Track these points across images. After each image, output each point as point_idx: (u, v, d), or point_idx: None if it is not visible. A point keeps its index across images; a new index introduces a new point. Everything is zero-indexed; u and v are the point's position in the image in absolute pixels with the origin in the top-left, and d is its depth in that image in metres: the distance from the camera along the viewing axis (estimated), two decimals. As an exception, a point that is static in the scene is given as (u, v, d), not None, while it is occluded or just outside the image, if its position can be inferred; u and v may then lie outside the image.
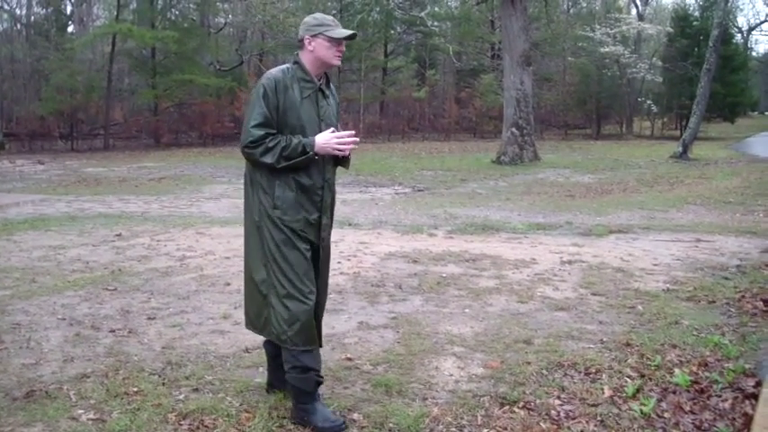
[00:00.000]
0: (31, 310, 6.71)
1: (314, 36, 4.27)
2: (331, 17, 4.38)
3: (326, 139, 4.19)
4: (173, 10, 46.06)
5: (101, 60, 45.08)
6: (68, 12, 51.72)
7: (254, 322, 4.44)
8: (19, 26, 54.51)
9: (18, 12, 55.05)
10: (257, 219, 4.27)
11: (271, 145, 4.11)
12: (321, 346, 4.46)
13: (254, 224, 4.30)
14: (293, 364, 4.22)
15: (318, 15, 4.37)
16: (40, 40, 46.33)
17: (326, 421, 4.16)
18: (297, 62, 4.32)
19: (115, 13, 42.54)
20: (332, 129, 4.28)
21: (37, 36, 48.23)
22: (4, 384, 4.84)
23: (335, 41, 4.28)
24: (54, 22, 48.77)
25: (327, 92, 4.43)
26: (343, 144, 4.24)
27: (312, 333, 4.25)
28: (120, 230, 11.34)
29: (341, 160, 4.45)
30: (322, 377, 4.37)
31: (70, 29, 51.32)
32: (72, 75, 40.66)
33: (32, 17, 53.05)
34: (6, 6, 51.75)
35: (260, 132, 4.11)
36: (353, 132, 4.35)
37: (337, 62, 4.35)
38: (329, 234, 4.45)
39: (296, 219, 4.21)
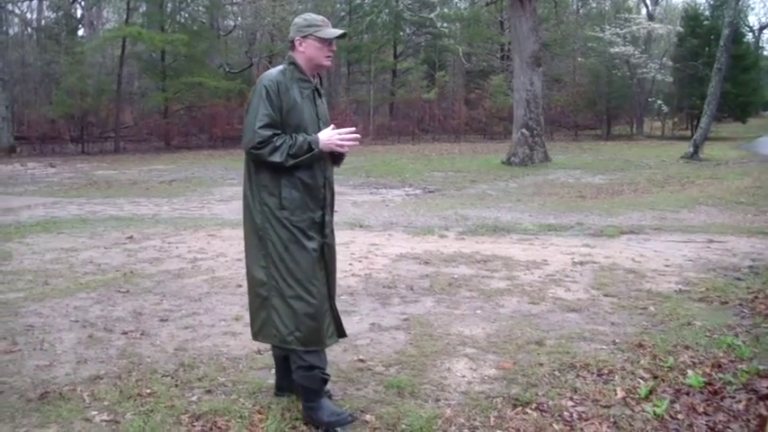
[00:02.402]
0: (44, 312, 6.74)
1: (304, 37, 4.31)
2: (321, 17, 4.42)
3: (329, 136, 4.24)
4: (182, 13, 46.15)
5: (111, 63, 45.26)
6: (79, 15, 51.89)
7: (251, 326, 4.48)
8: (30, 30, 54.76)
9: (29, 16, 55.30)
10: (259, 222, 4.28)
11: (278, 144, 4.14)
12: (345, 336, 4.54)
13: (255, 227, 4.31)
14: (299, 364, 4.26)
15: (308, 16, 4.39)
16: (51, 44, 46.49)
17: (333, 415, 4.21)
18: (293, 63, 4.35)
19: (125, 16, 42.61)
20: (332, 126, 4.33)
21: (47, 40, 48.39)
22: (19, 386, 4.87)
23: (326, 42, 4.31)
24: (64, 26, 48.92)
25: (322, 90, 4.50)
26: (345, 140, 4.27)
27: (318, 334, 4.27)
28: (132, 233, 11.37)
29: (335, 158, 4.47)
30: (328, 375, 4.39)
31: (80, 32, 51.47)
32: (82, 78, 40.79)
33: (43, 21, 53.28)
34: (17, 11, 51.94)
35: (267, 133, 4.14)
36: (354, 129, 4.38)
37: (328, 63, 4.39)
38: (332, 231, 4.48)
39: (303, 218, 4.25)
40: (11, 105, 40.67)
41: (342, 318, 4.30)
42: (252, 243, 4.36)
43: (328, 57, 4.36)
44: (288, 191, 4.23)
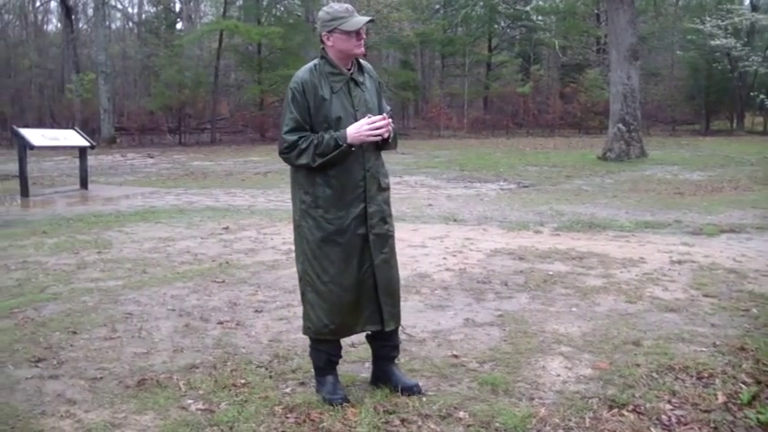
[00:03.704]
0: (143, 300, 6.90)
1: (330, 32, 4.28)
2: (345, 6, 4.33)
3: (357, 128, 4.21)
4: (278, 6, 46.75)
5: (208, 56, 46.13)
6: (177, 9, 53.01)
7: None
8: (131, 24, 56.20)
9: (130, 10, 56.73)
10: (297, 218, 4.38)
11: (304, 146, 4.18)
12: (386, 329, 4.48)
13: (294, 224, 4.43)
14: (312, 344, 4.54)
15: (331, 9, 4.32)
16: (151, 38, 47.69)
17: (328, 393, 4.41)
18: (323, 57, 4.36)
19: (222, 9, 43.40)
20: (368, 116, 4.27)
21: (147, 33, 49.66)
22: (118, 372, 4.99)
23: (352, 33, 4.25)
24: (163, 20, 50.15)
25: (361, 78, 4.43)
26: (376, 129, 4.22)
27: (343, 327, 4.40)
28: (228, 224, 11.56)
29: (383, 144, 4.42)
30: (338, 357, 4.59)
31: (179, 26, 52.70)
32: (180, 71, 41.71)
33: (143, 15, 54.66)
34: (119, 6, 53.29)
35: (292, 137, 4.21)
36: (385, 115, 4.32)
37: (359, 51, 4.33)
38: (381, 219, 4.43)
39: (338, 216, 4.28)
40: (112, 97, 41.81)
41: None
42: (294, 239, 4.48)
43: (358, 45, 4.30)
44: (321, 189, 4.27)
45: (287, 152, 4.24)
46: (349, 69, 4.37)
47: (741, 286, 7.34)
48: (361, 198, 4.32)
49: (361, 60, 4.48)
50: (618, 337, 5.67)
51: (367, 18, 4.34)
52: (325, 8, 4.38)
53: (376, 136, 4.24)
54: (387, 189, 4.54)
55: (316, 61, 4.39)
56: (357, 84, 4.39)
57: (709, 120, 45.78)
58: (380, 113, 4.35)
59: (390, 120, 4.32)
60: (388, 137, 4.34)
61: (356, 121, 4.26)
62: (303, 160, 4.20)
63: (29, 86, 47.66)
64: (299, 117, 4.23)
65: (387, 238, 4.47)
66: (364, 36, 4.32)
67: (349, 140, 4.17)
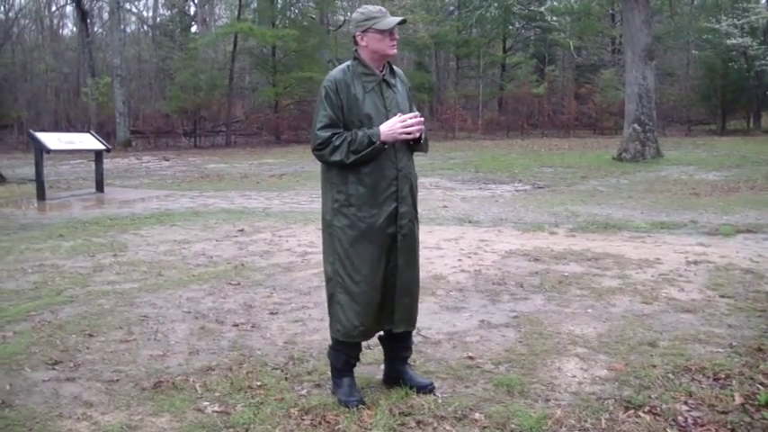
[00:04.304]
0: (158, 302, 6.93)
1: (364, 32, 4.32)
2: (379, 8, 4.41)
3: (390, 126, 4.23)
4: (293, 8, 46.87)
5: (223, 59, 46.30)
6: (192, 13, 53.19)
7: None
8: (146, 27, 56.41)
9: (145, 14, 56.94)
10: (329, 218, 4.42)
11: (337, 143, 4.20)
12: (394, 329, 4.52)
13: (325, 223, 4.48)
14: (333, 344, 4.56)
15: (365, 9, 4.39)
16: (165, 41, 47.85)
17: (344, 395, 4.43)
18: (356, 58, 4.39)
19: (237, 12, 43.57)
20: (398, 114, 4.30)
21: (162, 37, 49.84)
22: (134, 374, 5.01)
23: (386, 32, 4.29)
24: (178, 23, 50.31)
25: (393, 80, 4.47)
26: (409, 126, 4.24)
27: (370, 328, 4.44)
28: (243, 226, 11.59)
29: (416, 145, 4.47)
30: (356, 359, 4.61)
31: (194, 29, 52.89)
32: (195, 73, 41.88)
33: (158, 19, 54.84)
34: (134, 9, 53.51)
35: (326, 134, 4.22)
36: (418, 114, 4.35)
37: (393, 51, 4.37)
38: (411, 221, 4.49)
39: (371, 214, 4.31)
40: (127, 101, 41.97)
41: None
42: (324, 239, 4.52)
43: (391, 45, 4.34)
44: (354, 187, 4.30)
45: (320, 149, 4.26)
46: (381, 71, 4.41)
47: (758, 287, 7.31)
48: (394, 198, 4.35)
49: (393, 66, 4.53)
50: (634, 338, 5.65)
51: (400, 18, 4.40)
52: (359, 9, 4.43)
53: (408, 134, 4.27)
54: (417, 190, 4.60)
55: (349, 62, 4.44)
56: (389, 85, 4.43)
57: (725, 119, 45.50)
58: None
59: (422, 119, 4.37)
60: (420, 137, 4.39)
61: (387, 120, 4.30)
62: (337, 157, 4.22)
63: (45, 90, 47.97)
64: (332, 114, 4.27)
65: (413, 240, 4.51)
66: (397, 37, 4.37)
67: (382, 138, 4.20)
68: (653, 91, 25.25)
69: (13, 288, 7.59)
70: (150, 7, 57.58)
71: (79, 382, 4.87)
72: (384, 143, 4.22)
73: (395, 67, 4.56)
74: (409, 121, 4.25)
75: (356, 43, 4.40)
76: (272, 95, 42.70)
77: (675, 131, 42.86)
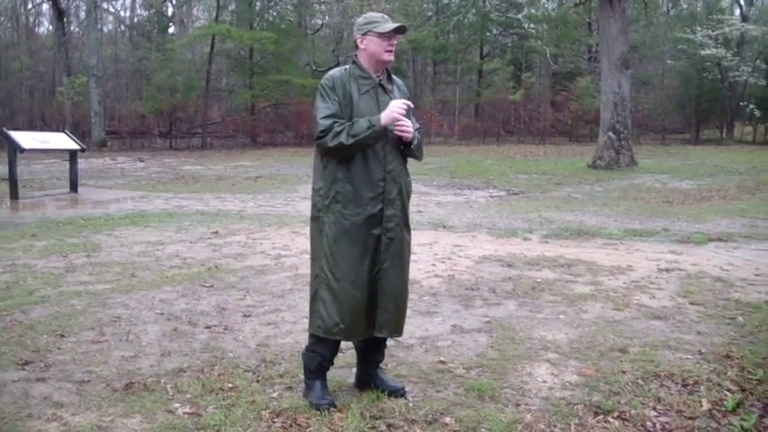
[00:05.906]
0: (131, 304, 6.90)
1: (364, 34, 4.43)
2: (381, 14, 4.53)
3: (388, 110, 4.31)
4: (271, 11, 46.83)
5: (200, 61, 46.15)
6: (170, 13, 53.00)
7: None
8: (123, 27, 56.12)
9: (122, 14, 56.66)
10: (317, 214, 4.46)
11: (338, 129, 4.25)
12: (376, 333, 4.50)
13: (314, 220, 4.51)
14: (309, 345, 4.58)
15: (368, 14, 4.53)
16: (143, 41, 47.67)
17: (316, 398, 4.44)
18: (354, 61, 4.50)
19: (214, 14, 43.40)
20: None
21: (139, 37, 49.61)
22: (105, 375, 4.99)
23: (384, 36, 4.38)
24: (156, 24, 50.11)
25: (390, 86, 4.54)
26: (400, 107, 4.31)
27: (353, 328, 4.41)
28: (217, 228, 11.57)
29: (407, 149, 4.52)
30: (330, 363, 4.61)
31: (171, 30, 52.68)
32: (172, 75, 41.73)
33: (135, 19, 54.58)
34: (112, 9, 53.26)
35: (328, 122, 4.28)
36: (405, 101, 4.43)
37: (389, 57, 4.45)
38: (398, 225, 4.47)
39: (355, 213, 4.34)
40: (103, 101, 41.72)
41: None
42: (312, 236, 4.55)
43: (388, 51, 4.42)
44: (341, 185, 4.34)
45: (322, 136, 4.29)
46: (378, 76, 4.49)
47: (728, 294, 7.39)
48: (380, 199, 4.38)
49: (393, 75, 4.60)
50: (604, 344, 5.70)
51: (399, 24, 4.48)
52: (363, 15, 4.56)
53: (400, 113, 4.31)
54: (408, 196, 4.60)
55: (347, 66, 4.55)
56: (385, 90, 4.49)
57: (699, 129, 45.86)
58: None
59: (418, 128, 4.51)
60: (412, 141, 4.44)
61: None
62: (337, 141, 4.24)
63: (20, 89, 47.54)
64: (332, 105, 4.35)
65: (401, 246, 4.51)
66: (395, 43, 4.43)
67: (383, 122, 4.26)
68: (628, 99, 25.44)
69: (-16, 287, 7.53)
70: (128, 7, 57.31)
71: (50, 383, 4.84)
72: (384, 128, 4.27)
73: (395, 77, 4.63)
74: (401, 104, 4.33)
75: (356, 47, 4.51)
76: (249, 98, 42.67)
77: (650, 140, 43.14)
